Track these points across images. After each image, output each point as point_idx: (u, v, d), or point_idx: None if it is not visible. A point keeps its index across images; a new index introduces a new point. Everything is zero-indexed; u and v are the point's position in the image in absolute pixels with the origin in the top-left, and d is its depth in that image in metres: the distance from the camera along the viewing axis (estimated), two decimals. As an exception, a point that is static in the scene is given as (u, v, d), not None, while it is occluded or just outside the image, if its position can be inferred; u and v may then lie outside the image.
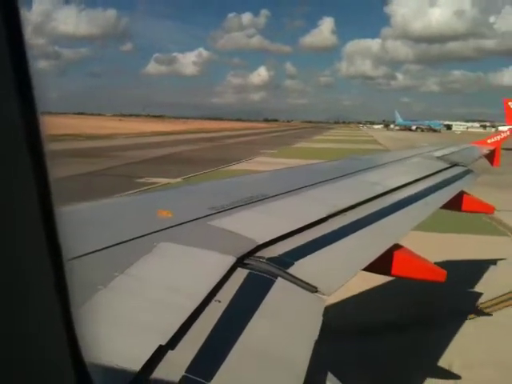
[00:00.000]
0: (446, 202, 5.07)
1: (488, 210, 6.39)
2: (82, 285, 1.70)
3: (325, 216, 3.25)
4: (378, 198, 4.18)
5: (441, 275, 3.38)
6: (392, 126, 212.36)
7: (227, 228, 2.61)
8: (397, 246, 3.21)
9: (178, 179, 22.49)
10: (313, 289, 2.21)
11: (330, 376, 1.91)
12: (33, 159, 0.63)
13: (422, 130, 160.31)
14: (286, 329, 1.91)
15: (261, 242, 2.47)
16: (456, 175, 6.36)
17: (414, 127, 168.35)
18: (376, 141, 73.79)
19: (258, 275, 2.15)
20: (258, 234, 2.57)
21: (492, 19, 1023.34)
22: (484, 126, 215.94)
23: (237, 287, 1.98)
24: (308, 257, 2.55)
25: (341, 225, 3.21)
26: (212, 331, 1.64)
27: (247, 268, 2.17)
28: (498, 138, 10.27)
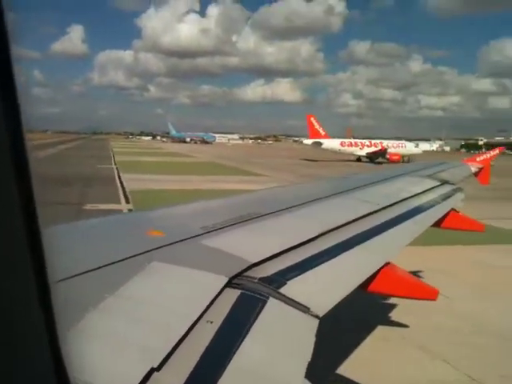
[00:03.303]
0: (436, 220, 5.09)
1: (478, 227, 6.41)
2: (73, 306, 1.67)
3: (317, 235, 3.25)
4: (369, 216, 4.19)
5: (432, 294, 3.37)
6: (159, 137, 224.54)
7: (219, 247, 2.60)
8: (388, 265, 3.20)
9: None
10: (305, 309, 2.19)
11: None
12: (17, 178, 0.62)
13: (196, 142, 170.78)
14: (278, 350, 1.89)
15: (253, 262, 2.46)
16: (446, 193, 6.40)
17: (188, 139, 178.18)
18: (179, 153, 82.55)
19: (250, 295, 2.14)
20: (250, 254, 2.56)
21: (234, 38, 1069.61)
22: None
23: (229, 308, 1.96)
24: (300, 276, 2.54)
25: (333, 243, 3.21)
26: (204, 353, 1.62)
27: (239, 288, 2.16)
28: (488, 155, 10.34)
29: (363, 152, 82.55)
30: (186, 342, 1.62)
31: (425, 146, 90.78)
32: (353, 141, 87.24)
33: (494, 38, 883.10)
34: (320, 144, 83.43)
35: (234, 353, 1.67)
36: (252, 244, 2.86)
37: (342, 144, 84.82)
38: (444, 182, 7.09)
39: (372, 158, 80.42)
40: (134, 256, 2.24)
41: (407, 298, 3.48)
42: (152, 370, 1.41)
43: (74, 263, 2.06)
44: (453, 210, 5.78)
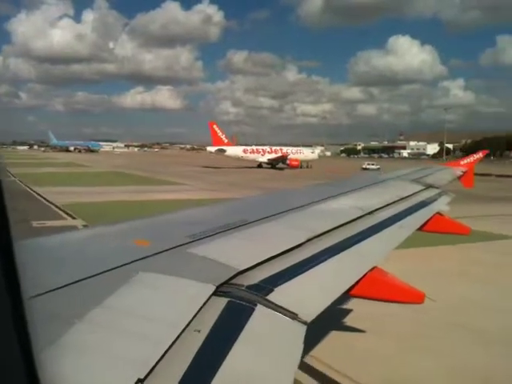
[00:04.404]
0: (422, 223, 5.13)
1: (463, 231, 6.46)
2: (58, 318, 1.66)
3: (304, 241, 3.25)
4: (355, 221, 4.21)
5: (419, 297, 3.39)
6: (36, 146, 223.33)
7: (206, 256, 2.59)
8: (375, 269, 3.22)
9: None
10: (293, 315, 2.19)
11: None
12: None
13: (80, 151, 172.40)
14: (266, 357, 1.89)
15: (240, 269, 2.46)
16: (431, 197, 6.46)
17: (71, 148, 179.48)
18: (74, 163, 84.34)
19: (237, 303, 2.14)
20: (237, 261, 2.56)
21: (112, 45, 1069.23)
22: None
23: (216, 316, 1.96)
24: (288, 283, 2.55)
25: (319, 249, 3.22)
26: (192, 362, 1.61)
27: (227, 296, 2.15)
28: (471, 159, 10.45)
29: (265, 158, 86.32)
30: (174, 352, 1.61)
31: (307, 152, 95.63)
32: (255, 148, 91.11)
33: (360, 50, 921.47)
34: (223, 151, 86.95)
35: (223, 361, 1.66)
36: (239, 251, 2.86)
37: (244, 151, 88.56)
38: (429, 186, 7.16)
39: (273, 163, 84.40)
40: (120, 266, 2.22)
41: (394, 302, 3.49)
42: (139, 381, 1.40)
43: (59, 275, 2.04)
44: (438, 213, 5.83)
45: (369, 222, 4.33)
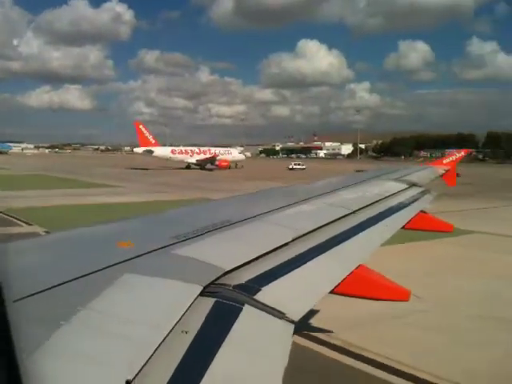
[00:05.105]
0: (406, 221, 5.17)
1: (447, 228, 6.52)
2: (42, 322, 1.63)
3: (290, 240, 3.26)
4: (340, 220, 4.23)
5: (404, 294, 3.41)
6: None
7: (192, 256, 2.57)
8: (361, 268, 3.24)
9: None
10: (280, 314, 2.19)
11: None
12: None
13: None
14: (254, 357, 1.88)
15: (227, 269, 2.45)
16: (415, 195, 6.52)
17: None
18: None
19: (224, 303, 2.13)
20: (223, 261, 2.54)
21: (15, 42, 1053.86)
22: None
23: (204, 317, 1.94)
24: (274, 282, 2.54)
25: (306, 249, 3.22)
26: (180, 363, 1.60)
27: (214, 296, 2.14)
28: (453, 158, 10.57)
29: (193, 159, 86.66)
30: (161, 353, 1.59)
31: (236, 153, 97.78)
32: (183, 148, 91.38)
33: (272, 52, 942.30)
34: (151, 152, 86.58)
35: (211, 362, 1.65)
36: (225, 252, 2.85)
37: (172, 152, 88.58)
38: (412, 185, 7.22)
39: (202, 164, 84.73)
40: (105, 268, 2.19)
41: (379, 299, 3.51)
42: (128, 383, 1.38)
43: (42, 278, 2.01)
44: (421, 211, 5.88)
45: (354, 220, 4.35)
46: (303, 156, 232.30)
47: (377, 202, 5.45)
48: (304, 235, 3.48)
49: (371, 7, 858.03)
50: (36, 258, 2.42)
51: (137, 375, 1.43)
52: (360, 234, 3.98)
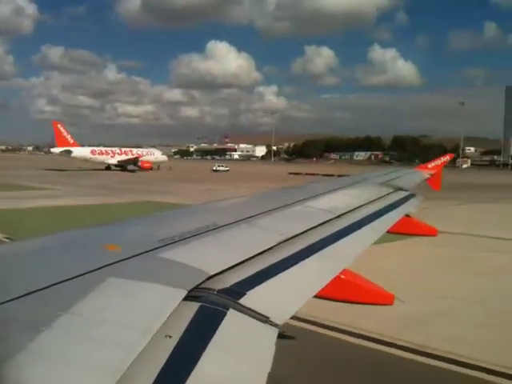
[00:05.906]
0: (391, 225, 5.21)
1: (431, 232, 6.59)
2: (24, 326, 1.63)
3: (275, 244, 3.27)
4: (325, 224, 4.25)
5: (389, 298, 3.45)
6: None
7: (177, 260, 2.57)
8: (344, 271, 3.26)
9: None
10: (264, 318, 2.20)
11: None
12: None
13: None
14: (238, 361, 1.89)
15: (212, 273, 2.45)
16: (400, 200, 6.57)
17: None
18: None
19: (209, 308, 2.13)
20: (208, 265, 2.55)
21: None
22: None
23: (188, 321, 1.95)
24: (259, 286, 2.55)
25: (291, 253, 3.24)
26: (163, 367, 1.60)
27: (198, 301, 2.14)
28: (439, 162, 10.68)
29: (114, 160, 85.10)
30: (145, 358, 1.59)
31: (158, 154, 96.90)
32: (103, 149, 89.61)
33: (181, 52, 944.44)
34: (70, 152, 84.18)
35: (194, 366, 1.66)
36: (210, 255, 2.85)
37: (92, 152, 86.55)
38: (398, 189, 7.28)
39: (124, 165, 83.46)
40: (90, 272, 2.19)
41: (363, 303, 3.54)
42: None
43: (24, 282, 2.00)
44: (406, 215, 5.93)
45: (339, 224, 4.37)
46: (218, 157, 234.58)
47: (362, 206, 5.48)
48: (289, 239, 3.50)
49: (279, 11, 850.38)
50: (21, 261, 2.40)
51: (120, 380, 1.43)
52: (345, 238, 4.00)
